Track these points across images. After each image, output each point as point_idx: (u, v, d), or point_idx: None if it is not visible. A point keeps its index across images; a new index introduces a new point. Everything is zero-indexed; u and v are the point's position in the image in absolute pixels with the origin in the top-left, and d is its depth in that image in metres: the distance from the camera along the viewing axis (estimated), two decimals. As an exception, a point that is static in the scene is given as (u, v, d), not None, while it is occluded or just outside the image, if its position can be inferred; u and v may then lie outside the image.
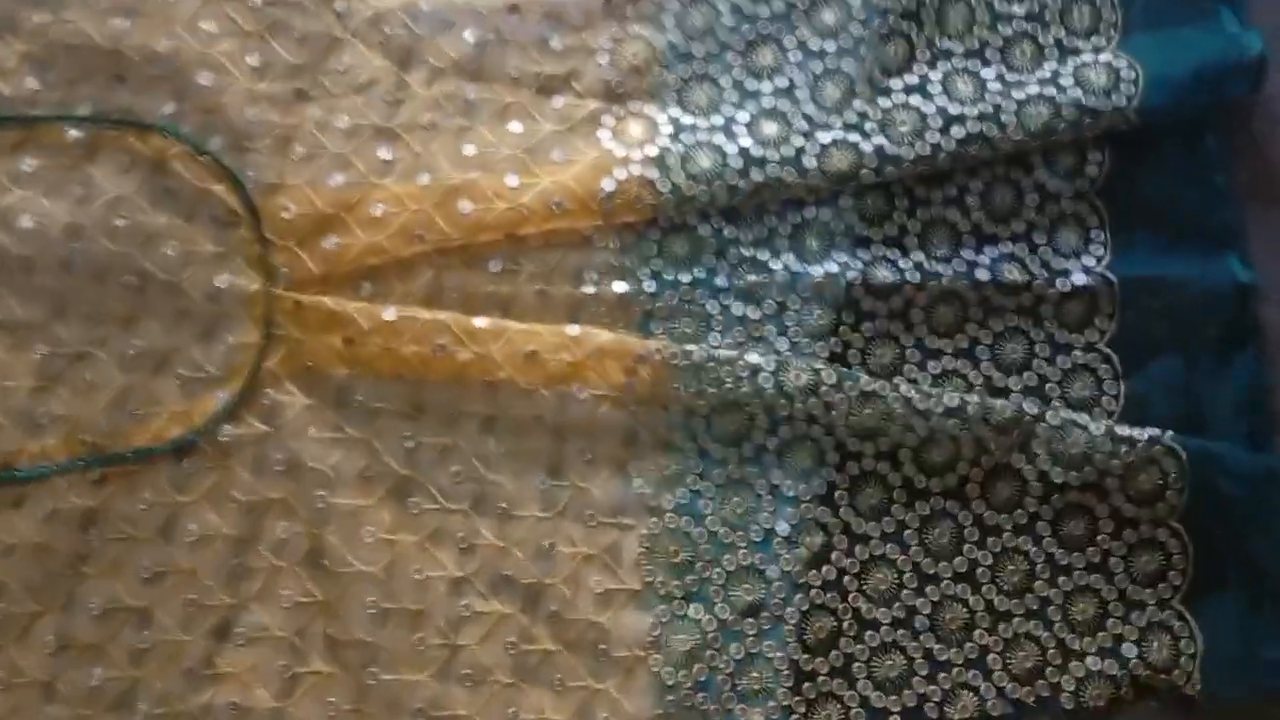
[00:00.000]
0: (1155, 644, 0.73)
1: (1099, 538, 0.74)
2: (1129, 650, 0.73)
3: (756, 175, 0.73)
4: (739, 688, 0.72)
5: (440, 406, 0.72)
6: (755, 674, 0.72)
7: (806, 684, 0.72)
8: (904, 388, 0.72)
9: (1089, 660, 0.73)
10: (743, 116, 0.76)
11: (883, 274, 0.74)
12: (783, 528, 0.73)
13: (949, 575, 0.74)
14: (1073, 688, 0.73)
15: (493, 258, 0.73)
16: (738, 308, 0.74)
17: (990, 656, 0.73)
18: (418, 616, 0.71)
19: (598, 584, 0.72)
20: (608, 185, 0.73)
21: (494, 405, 0.72)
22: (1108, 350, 0.76)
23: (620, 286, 0.73)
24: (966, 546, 0.74)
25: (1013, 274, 0.75)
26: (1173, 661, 0.73)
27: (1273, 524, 0.73)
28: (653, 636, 0.71)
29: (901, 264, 0.75)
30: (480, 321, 0.71)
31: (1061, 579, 0.74)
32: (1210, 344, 0.76)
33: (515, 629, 0.71)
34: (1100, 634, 0.73)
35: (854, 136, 0.75)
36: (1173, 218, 0.77)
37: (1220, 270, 0.76)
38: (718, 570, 0.73)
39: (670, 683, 0.71)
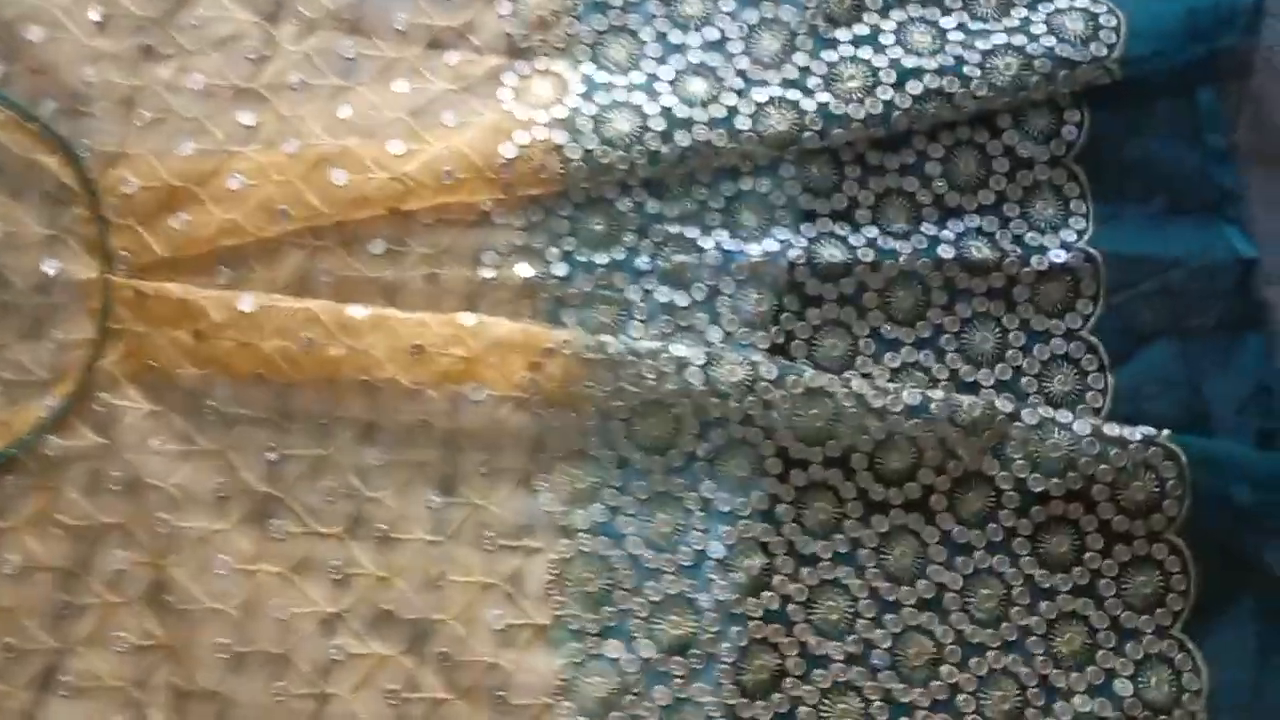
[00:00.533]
0: (1153, 679, 0.71)
1: (1086, 556, 0.71)
2: (1123, 687, 0.71)
3: (682, 139, 0.70)
4: (666, 740, 0.69)
5: (309, 412, 0.67)
6: (685, 723, 0.69)
7: (745, 734, 0.69)
8: (856, 383, 0.69)
9: (1076, 700, 0.70)
10: (666, 73, 0.72)
11: (830, 253, 0.71)
12: (716, 549, 0.69)
13: (912, 602, 0.70)
14: (1058, 732, 0.71)
15: (374, 238, 0.69)
16: (662, 293, 0.71)
17: (961, 697, 0.70)
18: (279, 661, 0.66)
19: (497, 619, 0.68)
20: (508, 151, 0.69)
21: (373, 410, 0.68)
22: (1092, 338, 0.73)
23: (525, 270, 0.70)
24: (932, 568, 0.71)
25: (981, 251, 0.72)
26: (1174, 700, 0.71)
27: (1287, 536, 0.72)
28: (562, 680, 0.67)
29: (852, 241, 0.72)
30: (356, 311, 0.67)
31: (1043, 605, 0.71)
32: (1209, 328, 0.74)
33: (398, 674, 0.67)
34: (1089, 669, 0.71)
35: (794, 94, 0.71)
36: (1163, 185, 0.75)
37: (1219, 244, 0.74)
38: (640, 600, 0.69)
39: (584, 735, 0.69)
